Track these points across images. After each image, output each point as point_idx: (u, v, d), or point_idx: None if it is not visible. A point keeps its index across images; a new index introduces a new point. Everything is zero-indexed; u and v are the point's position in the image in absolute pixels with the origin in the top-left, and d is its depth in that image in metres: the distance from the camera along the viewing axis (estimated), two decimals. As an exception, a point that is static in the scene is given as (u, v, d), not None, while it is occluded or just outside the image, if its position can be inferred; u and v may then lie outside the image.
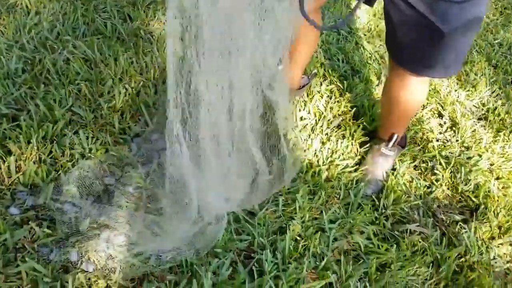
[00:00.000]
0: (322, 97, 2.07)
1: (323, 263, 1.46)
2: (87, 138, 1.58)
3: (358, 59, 2.43)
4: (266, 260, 1.39)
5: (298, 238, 1.51)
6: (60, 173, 1.45)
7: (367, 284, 1.44)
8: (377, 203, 1.72)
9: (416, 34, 1.41)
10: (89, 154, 1.53)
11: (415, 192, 1.83)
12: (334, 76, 2.25)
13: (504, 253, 1.69)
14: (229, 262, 1.38)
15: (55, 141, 1.54)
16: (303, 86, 2.01)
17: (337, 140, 1.89)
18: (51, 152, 1.49)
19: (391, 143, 1.80)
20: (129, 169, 1.52)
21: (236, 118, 1.07)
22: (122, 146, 1.60)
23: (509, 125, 2.32)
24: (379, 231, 1.64)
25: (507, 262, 1.66)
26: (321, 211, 1.61)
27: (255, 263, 1.40)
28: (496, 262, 1.64)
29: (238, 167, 1.20)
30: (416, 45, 1.43)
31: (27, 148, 1.47)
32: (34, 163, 1.45)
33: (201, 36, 0.89)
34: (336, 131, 1.94)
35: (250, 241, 1.45)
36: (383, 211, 1.70)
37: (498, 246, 1.70)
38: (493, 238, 1.74)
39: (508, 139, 2.23)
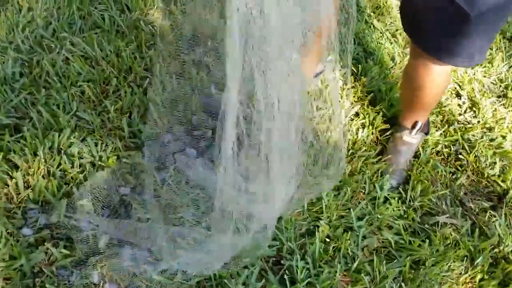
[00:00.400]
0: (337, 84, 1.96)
1: (355, 264, 1.39)
2: (96, 145, 1.49)
3: (369, 40, 2.32)
4: (297, 266, 1.32)
5: (327, 239, 1.44)
6: (71, 186, 1.35)
7: (402, 285, 1.37)
8: (403, 195, 1.65)
9: (441, 19, 1.31)
10: (99, 163, 1.43)
11: (440, 180, 1.76)
12: (346, 60, 2.14)
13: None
14: (258, 271, 1.31)
15: (62, 151, 1.44)
16: (319, 74, 1.90)
17: (357, 130, 1.81)
18: (59, 164, 1.40)
19: (414, 131, 1.72)
20: (144, 177, 1.43)
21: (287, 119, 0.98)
22: (133, 151, 1.50)
23: (530, 101, 2.24)
24: (408, 225, 1.57)
25: (542, 250, 1.60)
26: (348, 208, 1.53)
27: (285, 270, 1.33)
28: (530, 251, 1.58)
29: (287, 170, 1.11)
30: (442, 31, 1.33)
31: (34, 161, 1.38)
32: (43, 177, 1.35)
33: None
34: (354, 120, 1.85)
35: (278, 247, 1.38)
36: (411, 203, 1.63)
37: (531, 233, 1.64)
38: (524, 224, 1.68)
39: (530, 116, 2.14)
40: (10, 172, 1.34)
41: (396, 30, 2.44)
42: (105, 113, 1.60)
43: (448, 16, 1.28)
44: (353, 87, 1.99)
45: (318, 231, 1.43)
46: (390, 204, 1.59)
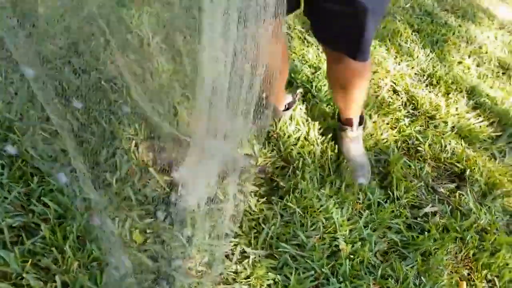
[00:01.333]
0: (303, 103, 2.11)
1: (379, 271, 1.55)
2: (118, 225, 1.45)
3: (311, 57, 2.50)
4: (336, 288, 1.45)
5: (350, 255, 1.58)
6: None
7: (422, 279, 1.57)
8: (391, 195, 1.85)
9: (344, 19, 1.40)
10: (126, 240, 1.41)
11: (411, 173, 2.00)
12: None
13: (499, 206, 1.94)
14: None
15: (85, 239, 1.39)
16: (290, 107, 2.02)
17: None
18: (92, 253, 1.35)
19: (355, 127, 1.89)
20: (170, 243, 1.44)
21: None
22: (148, 218, 1.50)
23: (452, 85, 2.60)
24: (403, 222, 1.78)
25: (505, 214, 1.92)
26: (355, 221, 1.69)
27: (328, 295, 1.45)
28: (497, 218, 1.88)
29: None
30: (349, 30, 1.43)
31: (64, 258, 1.31)
32: (78, 272, 1.30)
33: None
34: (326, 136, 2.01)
35: (314, 276, 1.49)
36: (399, 201, 1.83)
37: (492, 201, 1.95)
38: (484, 195, 1.98)
39: (457, 98, 2.50)
40: (43, 278, 1.27)
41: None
42: (107, 187, 1.55)
43: (350, 15, 1.37)
44: (313, 104, 2.15)
45: (340, 250, 1.57)
46: (384, 207, 1.78)
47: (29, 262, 1.28)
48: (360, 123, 1.89)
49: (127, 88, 1.87)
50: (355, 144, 1.91)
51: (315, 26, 1.54)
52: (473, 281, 1.65)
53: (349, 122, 1.87)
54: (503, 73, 2.90)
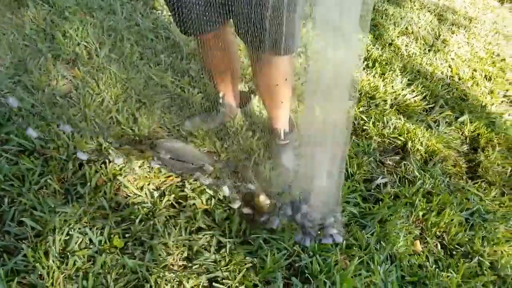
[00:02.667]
0: (255, 96, 2.22)
1: (344, 243, 1.71)
2: (92, 232, 1.50)
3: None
4: (311, 263, 1.59)
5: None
6: (94, 279, 1.37)
7: (382, 243, 1.74)
8: (346, 173, 2.01)
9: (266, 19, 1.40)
10: (106, 247, 1.47)
11: (360, 150, 2.18)
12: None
13: (439, 170, 2.16)
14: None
15: (67, 252, 1.43)
16: (245, 104, 2.12)
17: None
18: (74, 264, 1.39)
19: (287, 133, 1.91)
20: (150, 244, 1.52)
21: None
22: (125, 223, 1.56)
23: (387, 65, 2.81)
24: (359, 195, 1.95)
25: (445, 176, 2.14)
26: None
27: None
28: (439, 181, 2.10)
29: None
30: (273, 28, 1.43)
31: (48, 274, 1.35)
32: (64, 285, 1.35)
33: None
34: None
35: (288, 255, 1.62)
36: (354, 177, 2.00)
37: (433, 167, 2.17)
38: (426, 162, 2.20)
39: (392, 77, 2.72)
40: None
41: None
42: (80, 199, 1.59)
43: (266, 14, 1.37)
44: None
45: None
46: (344, 184, 1.94)
47: (15, 281, 1.31)
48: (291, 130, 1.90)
49: (84, 101, 1.91)
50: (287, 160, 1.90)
51: (240, 33, 1.52)
52: (425, 239, 1.85)
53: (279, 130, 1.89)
54: (428, 50, 3.17)
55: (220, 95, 1.95)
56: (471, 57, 3.20)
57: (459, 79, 2.93)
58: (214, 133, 1.99)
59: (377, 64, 2.79)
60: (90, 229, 1.51)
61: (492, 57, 3.31)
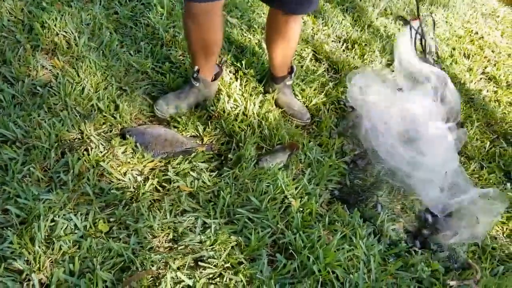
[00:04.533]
0: (236, 80, 2.24)
1: (326, 219, 1.75)
2: (77, 217, 1.52)
3: (235, 38, 2.62)
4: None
5: (300, 209, 1.76)
6: (80, 263, 1.39)
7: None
8: (328, 151, 2.05)
9: None
10: (91, 232, 1.48)
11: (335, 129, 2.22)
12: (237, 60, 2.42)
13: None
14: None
15: (53, 238, 1.44)
16: (217, 77, 2.11)
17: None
18: (60, 248, 1.41)
19: (293, 74, 2.24)
20: (135, 227, 1.54)
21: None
22: (110, 207, 1.58)
23: (366, 46, 2.85)
24: (339, 173, 1.99)
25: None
26: (301, 179, 1.87)
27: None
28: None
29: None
30: None
31: (35, 259, 1.37)
32: (51, 270, 1.37)
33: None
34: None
35: (271, 232, 1.65)
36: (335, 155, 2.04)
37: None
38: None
39: (372, 58, 2.75)
40: (18, 279, 1.32)
41: (249, 20, 2.78)
42: (63, 186, 1.61)
43: None
44: (247, 80, 2.29)
45: (290, 206, 1.75)
46: (323, 163, 1.98)
47: (1, 266, 1.32)
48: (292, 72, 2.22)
49: (64, 90, 1.91)
50: (291, 93, 2.25)
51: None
52: (406, 212, 1.90)
53: (286, 74, 2.20)
54: (408, 31, 3.20)
55: (195, 69, 1.96)
56: (450, 36, 3.24)
57: (438, 57, 2.97)
58: (196, 117, 2.01)
59: (356, 46, 2.82)
60: (75, 215, 1.52)
61: (470, 35, 3.36)
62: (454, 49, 3.07)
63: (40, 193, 1.55)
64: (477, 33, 3.43)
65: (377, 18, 3.27)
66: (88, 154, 1.72)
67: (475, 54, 3.12)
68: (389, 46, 2.92)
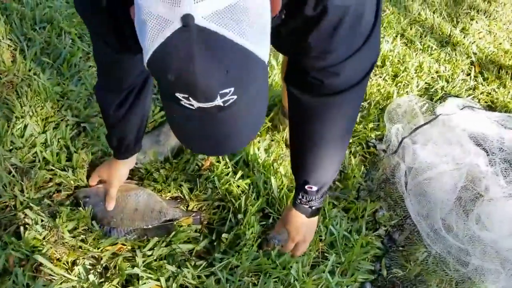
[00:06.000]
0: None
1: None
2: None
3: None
4: None
5: None
6: None
7: None
8: (356, 220, 1.53)
9: None
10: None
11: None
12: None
13: None
14: None
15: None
16: None
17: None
18: None
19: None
20: None
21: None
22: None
23: (398, 63, 2.29)
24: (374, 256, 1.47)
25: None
26: (322, 270, 1.36)
27: None
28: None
29: None
30: None
31: None
32: None
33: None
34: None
35: None
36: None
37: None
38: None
39: (407, 80, 2.21)
40: None
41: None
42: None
43: None
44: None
45: None
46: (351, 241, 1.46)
47: None
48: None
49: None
50: None
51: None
52: None
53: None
54: (446, 42, 2.65)
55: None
56: (495, 51, 2.69)
57: (484, 79, 2.43)
58: (180, 170, 1.47)
59: (387, 63, 2.26)
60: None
61: (517, 49, 2.81)
62: (501, 68, 2.53)
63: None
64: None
65: (410, 26, 2.69)
66: (20, 237, 1.19)
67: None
68: (426, 63, 2.37)
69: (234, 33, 0.55)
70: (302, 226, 1.20)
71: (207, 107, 0.59)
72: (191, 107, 0.60)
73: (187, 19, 0.53)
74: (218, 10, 0.54)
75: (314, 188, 1.07)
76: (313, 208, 1.14)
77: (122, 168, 1.31)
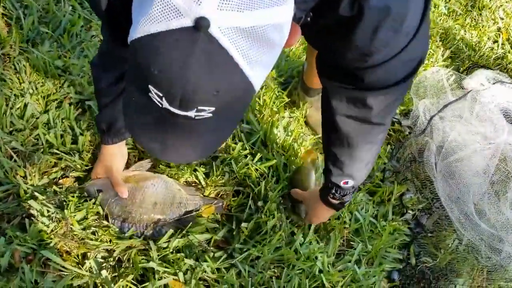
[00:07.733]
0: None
1: None
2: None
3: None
4: None
5: None
6: None
7: None
8: (382, 204, 1.43)
9: None
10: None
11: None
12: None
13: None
14: None
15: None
16: None
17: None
18: None
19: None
20: None
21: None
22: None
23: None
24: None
25: None
26: (348, 260, 1.27)
27: None
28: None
29: None
30: None
31: None
32: None
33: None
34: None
35: None
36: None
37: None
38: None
39: (433, 49, 2.06)
40: None
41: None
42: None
43: None
44: (266, 87, 1.62)
45: None
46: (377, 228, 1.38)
47: None
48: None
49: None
50: None
51: None
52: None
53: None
54: (471, 6, 2.47)
55: None
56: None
57: (512, 47, 2.28)
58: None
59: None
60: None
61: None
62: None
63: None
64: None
65: None
66: (25, 230, 1.09)
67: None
68: (452, 31, 2.21)
69: (243, 58, 0.48)
70: (325, 216, 1.22)
71: (176, 113, 0.51)
72: (158, 104, 0.51)
73: (201, 23, 0.45)
74: (239, 27, 0.46)
75: (350, 183, 0.98)
76: (346, 203, 1.05)
77: (114, 158, 1.19)
